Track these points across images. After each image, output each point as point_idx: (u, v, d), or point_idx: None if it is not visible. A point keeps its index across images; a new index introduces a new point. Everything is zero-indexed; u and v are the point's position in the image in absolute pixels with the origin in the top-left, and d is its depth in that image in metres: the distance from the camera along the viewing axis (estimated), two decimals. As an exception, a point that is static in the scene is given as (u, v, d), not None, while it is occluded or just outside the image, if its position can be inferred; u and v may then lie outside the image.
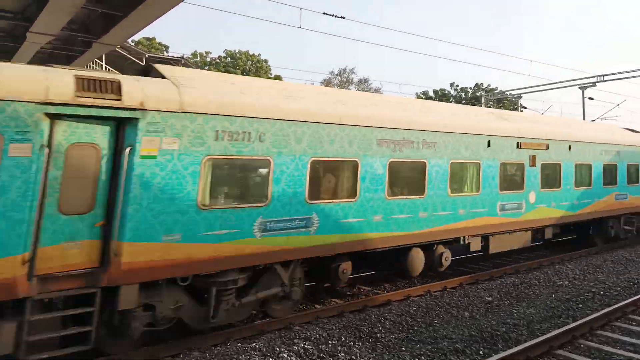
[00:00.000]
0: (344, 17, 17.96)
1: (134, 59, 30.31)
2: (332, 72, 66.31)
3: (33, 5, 17.94)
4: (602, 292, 11.51)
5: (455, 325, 9.22)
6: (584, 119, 34.96)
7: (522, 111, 44.66)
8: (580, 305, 10.47)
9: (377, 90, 62.34)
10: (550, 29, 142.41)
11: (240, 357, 7.40)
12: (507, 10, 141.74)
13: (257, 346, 7.85)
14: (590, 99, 36.00)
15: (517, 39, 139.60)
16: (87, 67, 24.31)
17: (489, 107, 42.69)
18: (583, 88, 35.29)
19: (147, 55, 31.72)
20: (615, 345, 8.34)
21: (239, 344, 8.02)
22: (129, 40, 28.42)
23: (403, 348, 7.99)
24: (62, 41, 22.33)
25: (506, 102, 57.22)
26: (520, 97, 40.99)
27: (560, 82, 36.15)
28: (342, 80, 62.49)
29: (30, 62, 21.06)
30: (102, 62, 29.41)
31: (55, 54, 22.80)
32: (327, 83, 61.53)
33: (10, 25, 20.57)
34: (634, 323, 9.48)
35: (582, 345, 8.29)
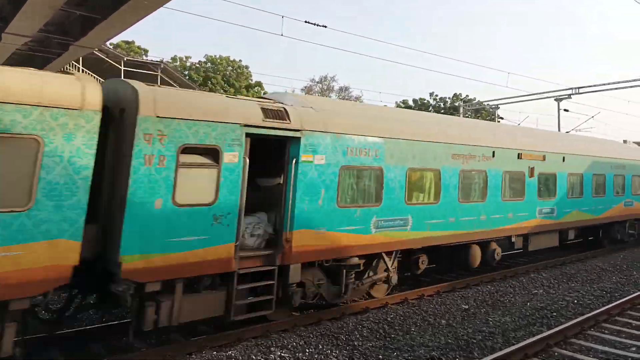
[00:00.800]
0: (325, 26, 18.04)
1: (112, 62, 29.97)
2: (312, 79, 66.65)
3: (8, 6, 17.61)
4: (575, 301, 11.70)
5: (432, 333, 9.26)
6: (559, 130, 35.67)
7: (499, 122, 45.43)
8: (555, 314, 10.62)
9: (357, 99, 62.75)
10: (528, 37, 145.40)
11: (215, 365, 7.30)
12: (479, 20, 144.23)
13: (232, 354, 7.76)
14: (566, 110, 36.78)
15: (497, 51, 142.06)
16: (63, 69, 23.96)
17: (467, 117, 43.32)
18: (559, 100, 36.04)
19: (125, 59, 31.39)
20: (588, 353, 8.47)
21: (215, 352, 7.92)
22: (107, 43, 28.10)
23: (380, 356, 7.99)
24: (39, 43, 21.95)
25: (484, 112, 58.12)
26: (498, 107, 41.67)
27: (536, 93, 36.90)
28: (322, 87, 62.76)
29: (6, 63, 20.69)
30: (79, 64, 29.00)
31: (32, 56, 22.39)
32: (308, 90, 61.70)
33: (-15, 25, 20.15)
34: (606, 332, 9.64)
35: (556, 354, 8.40)
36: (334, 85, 63.46)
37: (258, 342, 8.46)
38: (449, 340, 8.75)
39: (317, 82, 62.87)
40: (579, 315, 10.35)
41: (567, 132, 35.22)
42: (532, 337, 8.84)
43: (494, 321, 10.00)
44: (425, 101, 64.80)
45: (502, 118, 45.61)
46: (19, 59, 22.58)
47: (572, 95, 34.93)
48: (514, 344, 8.47)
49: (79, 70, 28.60)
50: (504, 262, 16.29)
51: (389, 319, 9.90)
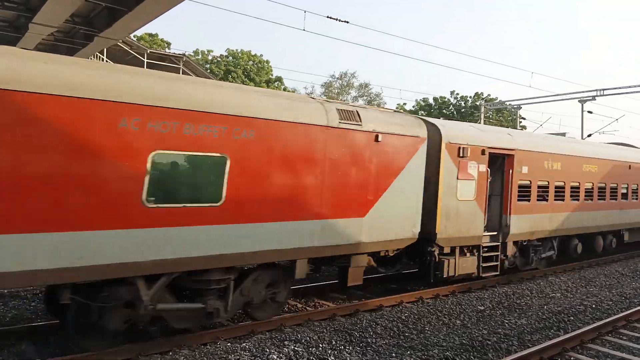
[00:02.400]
0: (347, 22, 17.98)
1: (136, 54, 30.30)
2: (332, 75, 66.53)
3: (36, -4, 17.91)
4: (593, 306, 11.53)
5: (447, 333, 9.22)
6: (582, 132, 35.09)
7: (521, 122, 44.82)
8: (572, 318, 10.48)
9: (377, 96, 62.50)
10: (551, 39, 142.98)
11: (229, 357, 7.37)
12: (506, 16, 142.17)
13: (246, 346, 7.83)
14: (590, 112, 36.12)
15: (518, 49, 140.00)
16: (88, 60, 24.28)
17: (488, 116, 42.85)
18: (582, 101, 35.41)
19: (148, 51, 31.71)
20: (605, 358, 8.36)
21: (229, 344, 7.99)
22: (131, 36, 28.40)
23: (393, 354, 7.98)
24: (64, 33, 22.30)
25: (505, 112, 57.41)
26: (520, 107, 41.11)
27: (560, 94, 36.30)
28: (342, 84, 62.61)
29: (32, 53, 20.97)
30: (103, 55, 29.38)
31: (57, 46, 22.77)
32: (327, 86, 61.65)
33: (13, 16, 20.53)
34: (624, 337, 9.49)
35: (572, 358, 8.30)
36: (354, 81, 63.26)
37: (272, 335, 8.52)
38: (464, 341, 8.70)
39: (337, 79, 62.77)
40: (597, 320, 10.21)
41: (589, 135, 34.63)
42: (548, 340, 8.75)
43: (509, 323, 9.92)
44: (446, 99, 64.28)
45: (523, 118, 45.00)
46: (43, 49, 22.95)
47: (596, 97, 34.31)
48: (529, 347, 8.40)
49: (102, 61, 28.97)
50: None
51: (403, 317, 9.88)
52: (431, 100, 64.20)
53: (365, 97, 62.63)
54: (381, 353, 8.00)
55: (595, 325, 9.56)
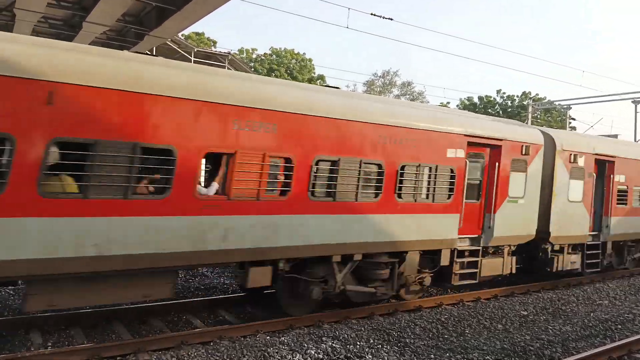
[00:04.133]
0: (391, 19, 17.87)
1: (183, 53, 31.01)
2: (375, 73, 66.15)
3: (90, -4, 18.62)
4: (644, 315, 11.07)
5: (487, 337, 9.06)
6: (635, 134, 33.65)
7: (570, 122, 43.33)
8: (620, 327, 10.10)
9: (420, 94, 61.69)
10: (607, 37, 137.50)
11: (268, 349, 7.49)
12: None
13: (285, 340, 7.93)
14: (644, 114, 34.53)
15: (571, 48, 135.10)
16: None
17: (536, 116, 41.64)
18: (636, 102, 33.95)
19: (195, 50, 32.39)
20: (655, 370, 8.03)
21: (268, 337, 8.12)
22: (179, 35, 29.09)
23: (432, 355, 7.91)
24: (116, 32, 23.09)
25: (554, 112, 55.64)
26: (570, 107, 39.76)
27: (612, 94, 34.91)
28: (384, 82, 62.13)
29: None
30: (152, 54, 30.24)
31: (109, 45, 23.59)
32: (369, 84, 61.32)
33: (68, 15, 21.40)
34: (676, 349, 9.07)
35: (619, 368, 8.02)
36: (397, 80, 62.64)
37: (310, 330, 8.60)
38: (505, 346, 8.53)
39: (380, 77, 62.31)
40: (647, 331, 9.80)
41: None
42: (594, 348, 8.47)
43: (553, 330, 9.65)
44: (492, 99, 62.84)
45: (573, 119, 43.48)
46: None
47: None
48: (574, 354, 8.15)
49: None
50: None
51: (442, 319, 9.76)
52: (476, 99, 62.93)
53: (407, 96, 61.96)
54: (419, 354, 7.94)
55: (645, 335, 9.19)
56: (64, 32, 22.64)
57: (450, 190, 10.44)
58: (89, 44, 22.88)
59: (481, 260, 11.40)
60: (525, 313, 10.70)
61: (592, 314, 10.92)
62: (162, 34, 21.29)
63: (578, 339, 9.17)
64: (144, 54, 8.87)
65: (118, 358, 7.18)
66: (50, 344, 7.68)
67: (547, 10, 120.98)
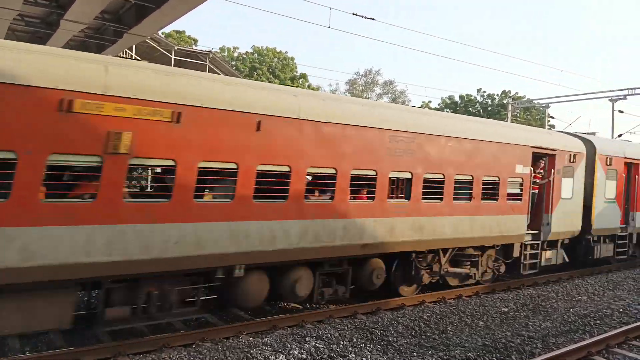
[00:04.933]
0: (373, 19, 17.91)
1: (163, 51, 30.67)
2: (357, 72, 66.28)
3: (67, -7, 18.28)
4: (621, 310, 11.28)
5: (469, 333, 9.14)
6: (612, 131, 34.28)
7: (549, 121, 43.97)
8: (598, 322, 10.27)
9: (402, 93, 62.02)
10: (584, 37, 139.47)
11: (251, 351, 7.45)
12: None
13: (268, 341, 7.90)
14: (620, 112, 35.23)
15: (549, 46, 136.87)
16: (117, 56, 24.68)
17: (515, 115, 42.14)
18: (614, 100, 34.57)
19: (175, 48, 32.05)
20: (632, 364, 8.17)
21: (251, 338, 8.08)
22: (159, 32, 28.76)
23: (415, 353, 7.95)
24: (95, 30, 22.72)
25: (534, 111, 56.41)
26: (549, 106, 40.33)
27: (590, 93, 35.48)
28: (367, 81, 62.33)
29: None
30: (132, 52, 29.82)
31: (87, 43, 23.22)
32: (352, 84, 61.44)
33: (45, 12, 21.00)
34: (653, 343, 9.26)
35: (597, 363, 8.14)
36: (379, 79, 62.89)
37: (293, 331, 8.58)
38: (486, 342, 8.61)
39: (362, 76, 62.49)
40: (624, 325, 9.98)
41: (620, 135, 33.79)
42: (573, 343, 8.60)
43: (533, 326, 9.77)
44: (472, 97, 63.45)
45: (552, 117, 44.13)
46: (74, 46, 23.45)
47: (627, 96, 33.45)
48: (553, 350, 8.26)
49: (131, 58, 29.43)
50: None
51: (425, 317, 9.82)
52: (457, 98, 63.47)
53: (389, 95, 62.27)
54: (402, 352, 7.97)
55: (622, 329, 9.36)
56: (41, 30, 22.23)
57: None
58: (67, 43, 22.56)
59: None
60: (506, 310, 10.82)
61: (571, 310, 11.09)
62: (142, 32, 21.01)
63: (558, 335, 9.31)
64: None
65: (98, 362, 7.08)
66: (28, 349, 7.54)
67: (530, 10, 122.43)
